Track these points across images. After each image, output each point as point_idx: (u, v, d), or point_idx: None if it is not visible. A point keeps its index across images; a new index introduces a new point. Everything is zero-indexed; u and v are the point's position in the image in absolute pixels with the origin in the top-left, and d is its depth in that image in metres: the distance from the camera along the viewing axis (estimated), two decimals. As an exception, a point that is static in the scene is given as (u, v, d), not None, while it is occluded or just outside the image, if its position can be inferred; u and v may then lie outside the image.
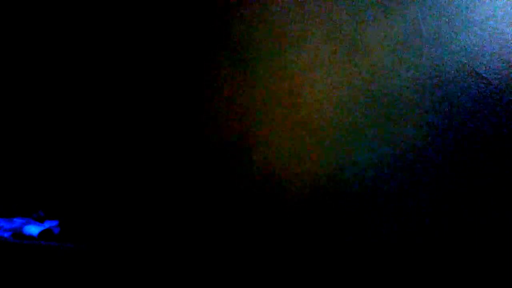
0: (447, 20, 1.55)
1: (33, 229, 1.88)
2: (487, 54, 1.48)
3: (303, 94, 1.79)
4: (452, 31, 1.54)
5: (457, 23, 1.54)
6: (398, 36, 1.63)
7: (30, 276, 1.78)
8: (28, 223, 1.97)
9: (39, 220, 2.18)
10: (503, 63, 1.45)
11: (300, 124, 1.78)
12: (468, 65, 1.50)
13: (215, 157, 1.95)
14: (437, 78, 1.54)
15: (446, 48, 1.54)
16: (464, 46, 1.51)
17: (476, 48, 1.49)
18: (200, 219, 1.94)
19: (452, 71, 1.52)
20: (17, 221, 1.99)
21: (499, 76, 1.45)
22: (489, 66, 1.47)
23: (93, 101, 2.35)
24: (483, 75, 1.47)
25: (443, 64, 1.54)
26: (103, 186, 2.19)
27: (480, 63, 1.48)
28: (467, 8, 1.53)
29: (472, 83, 1.49)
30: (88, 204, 2.20)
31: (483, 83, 1.47)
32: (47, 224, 2.03)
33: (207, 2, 2.10)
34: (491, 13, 1.49)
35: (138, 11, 2.31)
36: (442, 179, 1.50)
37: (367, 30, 1.69)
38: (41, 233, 1.89)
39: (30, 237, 1.87)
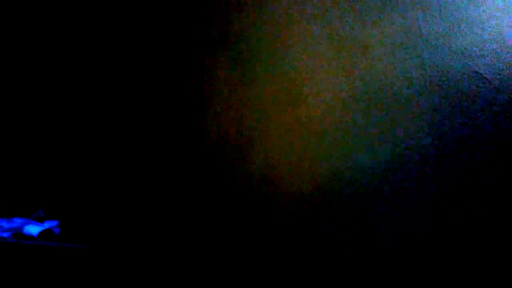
0: (447, 20, 1.55)
1: (33, 229, 1.88)
2: (487, 54, 1.48)
3: (303, 94, 1.79)
4: (452, 31, 1.54)
5: (457, 23, 1.54)
6: (398, 36, 1.63)
7: (30, 276, 1.78)
8: (28, 223, 1.97)
9: (39, 220, 2.18)
10: (503, 63, 1.45)
11: (300, 124, 1.78)
12: (468, 65, 1.50)
13: (215, 157, 1.95)
14: (437, 78, 1.54)
15: (446, 48, 1.54)
16: (464, 46, 1.51)
17: (476, 48, 1.49)
18: (199, 219, 1.94)
19: (452, 71, 1.52)
20: (17, 221, 1.99)
21: (499, 76, 1.45)
22: (489, 66, 1.47)
23: (92, 101, 2.35)
24: (483, 75, 1.47)
25: (443, 64, 1.54)
26: (103, 187, 2.19)
27: (480, 63, 1.48)
28: (467, 8, 1.53)
29: (472, 83, 1.49)
30: (88, 204, 2.20)
31: (483, 83, 1.47)
32: (47, 224, 2.03)
33: (206, 1, 2.10)
34: (491, 13, 1.49)
35: (137, 11, 2.31)
36: (442, 179, 1.50)
37: (367, 30, 1.69)
38: (41, 233, 1.89)
39: (30, 237, 1.87)
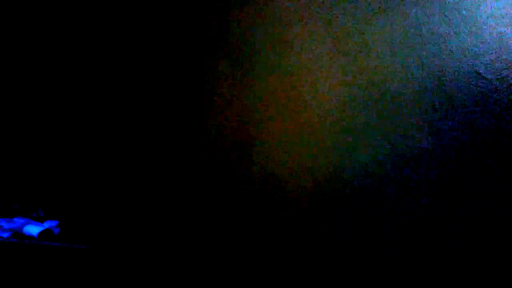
0: (447, 20, 1.55)
1: (33, 229, 1.88)
2: (487, 54, 1.48)
3: (303, 94, 1.79)
4: (452, 31, 1.54)
5: (457, 23, 1.54)
6: (398, 36, 1.63)
7: (30, 276, 1.78)
8: (28, 223, 1.97)
9: (39, 220, 2.18)
10: (503, 63, 1.45)
11: (300, 124, 1.78)
12: (468, 65, 1.50)
13: (215, 157, 1.95)
14: (437, 78, 1.54)
15: (446, 48, 1.54)
16: (464, 46, 1.51)
17: (476, 48, 1.50)
18: (200, 219, 1.94)
19: (452, 71, 1.52)
20: (17, 221, 1.99)
21: (499, 76, 1.45)
22: (489, 66, 1.47)
23: (93, 102, 2.35)
24: (483, 75, 1.47)
25: (443, 64, 1.54)
26: (103, 187, 2.19)
27: (480, 63, 1.48)
28: (467, 8, 1.53)
29: (472, 83, 1.49)
30: (88, 204, 2.20)
31: (483, 83, 1.47)
32: (47, 224, 2.03)
33: (207, 3, 2.10)
34: (491, 13, 1.49)
35: (137, 12, 2.31)
36: (442, 179, 1.50)
37: (367, 30, 1.69)
38: (41, 233, 1.89)
39: (30, 237, 1.87)
